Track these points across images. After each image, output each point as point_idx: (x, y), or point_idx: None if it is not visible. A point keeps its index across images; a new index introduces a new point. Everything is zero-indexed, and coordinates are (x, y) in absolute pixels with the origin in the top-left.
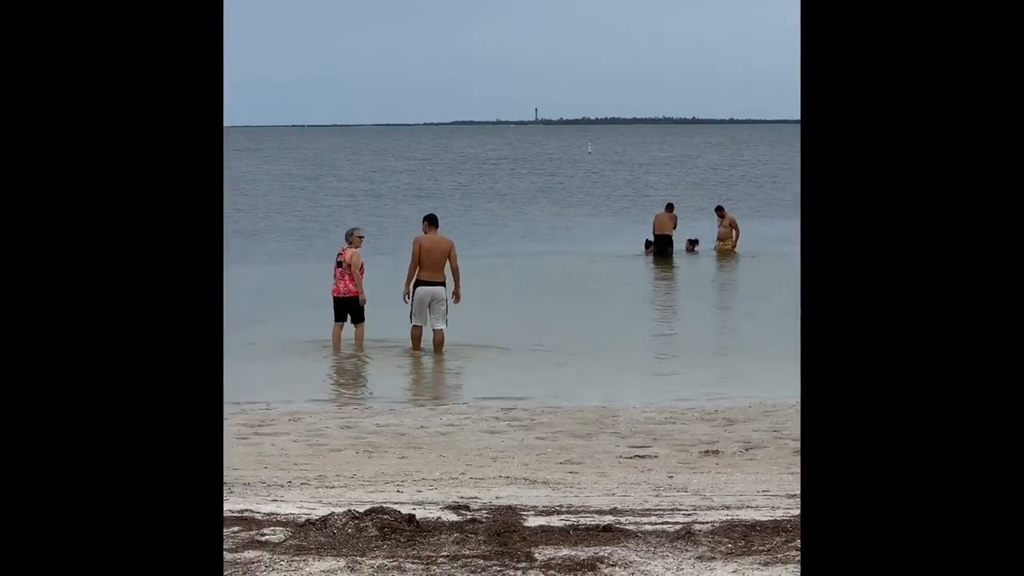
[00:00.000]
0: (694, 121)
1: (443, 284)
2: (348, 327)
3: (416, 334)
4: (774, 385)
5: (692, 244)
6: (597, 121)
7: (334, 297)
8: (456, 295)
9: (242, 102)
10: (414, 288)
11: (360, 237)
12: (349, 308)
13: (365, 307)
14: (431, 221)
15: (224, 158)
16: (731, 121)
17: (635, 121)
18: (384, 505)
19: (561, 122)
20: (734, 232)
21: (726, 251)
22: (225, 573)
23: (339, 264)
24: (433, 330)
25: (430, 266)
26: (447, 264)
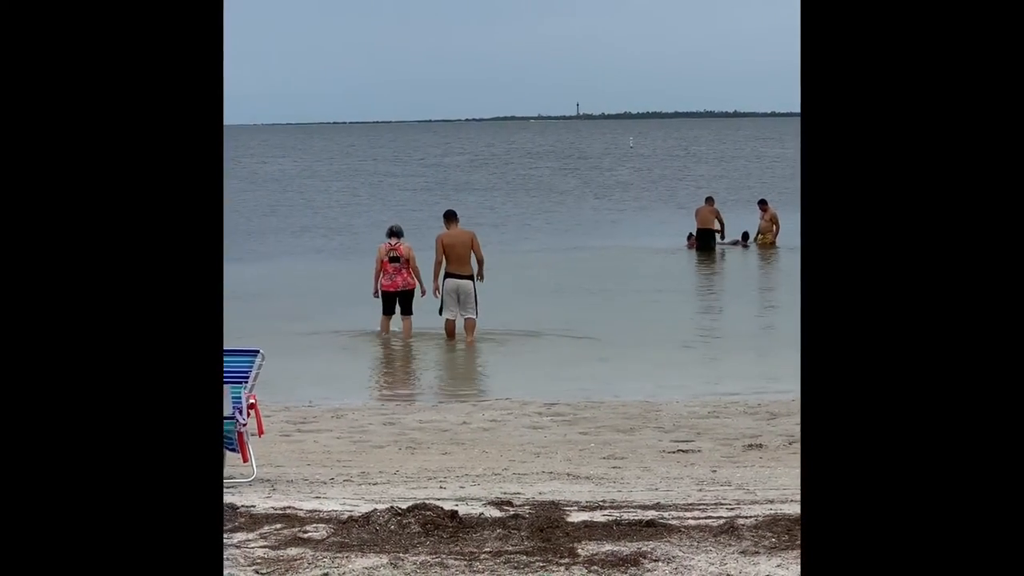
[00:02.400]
0: (736, 115)
1: (471, 277)
2: (395, 319)
3: (449, 327)
4: None
5: (744, 239)
6: (638, 115)
7: (386, 291)
8: (480, 275)
9: (282, 99)
10: (443, 281)
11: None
12: (403, 300)
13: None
14: (450, 216)
15: (228, 157)
16: (773, 114)
17: (676, 115)
18: (427, 501)
19: (603, 117)
20: (775, 226)
21: (766, 245)
22: (268, 570)
23: (394, 259)
24: (464, 319)
25: (455, 259)
26: (472, 255)
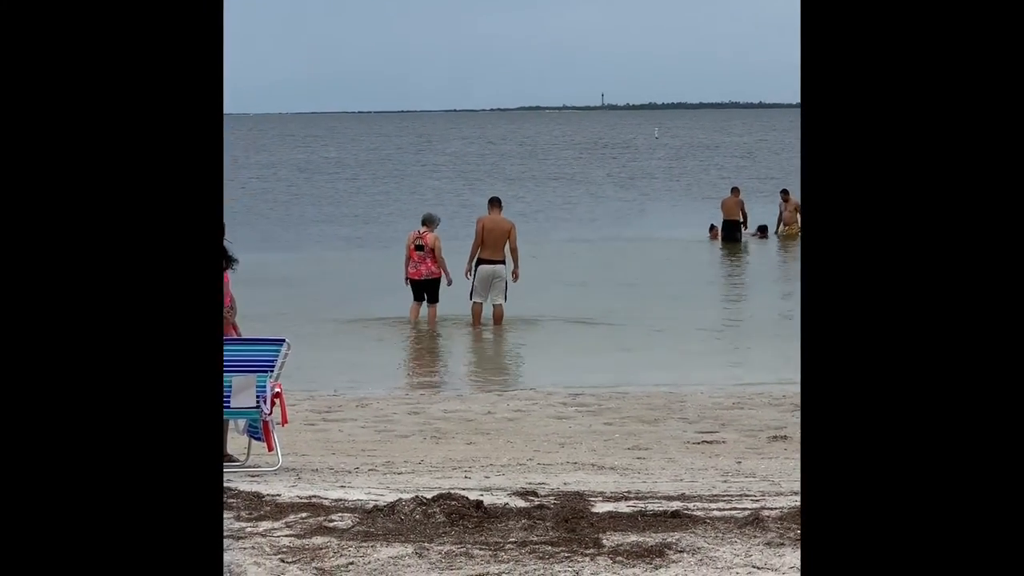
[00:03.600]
0: (761, 106)
1: (503, 262)
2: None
3: (476, 311)
4: None
5: (762, 231)
6: (664, 106)
7: (414, 280)
8: (515, 274)
9: (305, 88)
10: (476, 266)
11: (436, 223)
12: (428, 289)
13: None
14: (495, 203)
15: (255, 146)
16: (798, 105)
17: (702, 106)
18: (452, 491)
19: (628, 107)
20: (798, 216)
21: (791, 235)
22: (293, 559)
23: (419, 248)
24: (493, 305)
25: (491, 245)
26: (507, 244)
